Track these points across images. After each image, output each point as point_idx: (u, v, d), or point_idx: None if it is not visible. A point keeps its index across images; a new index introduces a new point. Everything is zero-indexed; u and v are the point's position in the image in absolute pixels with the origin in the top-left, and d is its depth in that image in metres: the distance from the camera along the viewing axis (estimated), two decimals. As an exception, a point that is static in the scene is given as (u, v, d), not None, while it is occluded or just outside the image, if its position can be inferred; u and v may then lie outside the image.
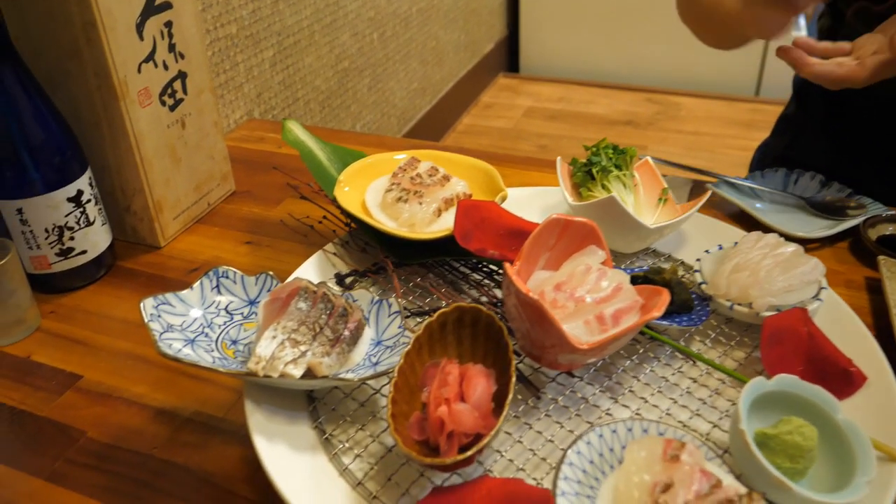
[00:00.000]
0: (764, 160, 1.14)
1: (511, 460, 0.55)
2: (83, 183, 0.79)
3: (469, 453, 0.48)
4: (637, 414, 0.58)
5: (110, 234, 0.86)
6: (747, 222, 0.86)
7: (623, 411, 0.59)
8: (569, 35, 2.93)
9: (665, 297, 0.57)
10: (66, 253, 0.81)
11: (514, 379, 0.53)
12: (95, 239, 0.83)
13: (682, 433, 0.52)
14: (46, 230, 0.78)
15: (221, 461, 0.61)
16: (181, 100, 0.90)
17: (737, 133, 2.33)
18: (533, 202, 0.85)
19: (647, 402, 0.59)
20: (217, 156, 0.98)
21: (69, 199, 0.78)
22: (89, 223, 0.81)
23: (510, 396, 0.52)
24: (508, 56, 3.05)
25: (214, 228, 0.95)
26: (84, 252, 0.82)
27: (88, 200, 0.81)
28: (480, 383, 0.53)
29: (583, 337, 0.56)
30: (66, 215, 0.79)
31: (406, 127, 2.14)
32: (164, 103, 0.87)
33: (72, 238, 0.80)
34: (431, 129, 2.31)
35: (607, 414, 0.58)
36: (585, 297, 0.57)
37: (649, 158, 0.85)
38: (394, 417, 0.52)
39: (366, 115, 1.89)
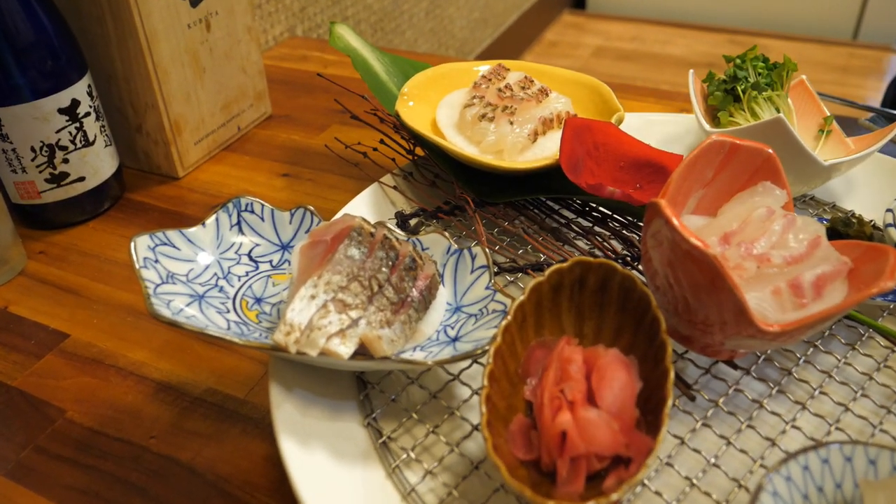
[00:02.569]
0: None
1: (659, 494, 0.37)
2: (80, 91, 0.63)
3: (613, 498, 0.30)
4: (839, 428, 0.40)
5: (117, 158, 0.70)
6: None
7: (815, 423, 0.40)
8: (642, -29, 2.68)
9: (894, 260, 0.38)
10: (58, 179, 0.64)
11: (672, 374, 0.35)
12: (96, 163, 0.66)
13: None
14: (33, 149, 0.62)
15: (239, 460, 0.45)
16: (206, -7, 0.72)
17: (835, 79, 2.06)
18: (651, 131, 0.66)
19: (849, 409, 0.41)
20: (251, 69, 0.81)
21: (61, 111, 0.62)
22: (88, 143, 0.65)
23: (669, 401, 0.34)
24: (575, -10, 2.81)
25: (245, 157, 0.78)
26: (82, 179, 0.66)
27: (87, 114, 0.64)
28: (618, 378, 0.35)
29: (771, 313, 0.37)
30: (58, 131, 0.62)
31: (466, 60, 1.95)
32: (183, -4, 0.69)
33: (65, 161, 0.64)
34: (492, 65, 2.11)
35: (794, 428, 0.40)
36: (771, 255, 0.39)
37: (804, 78, 0.65)
38: (490, 427, 0.34)
39: (422, 44, 1.69)
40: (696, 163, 0.43)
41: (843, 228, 0.48)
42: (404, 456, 0.39)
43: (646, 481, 0.37)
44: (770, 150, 0.43)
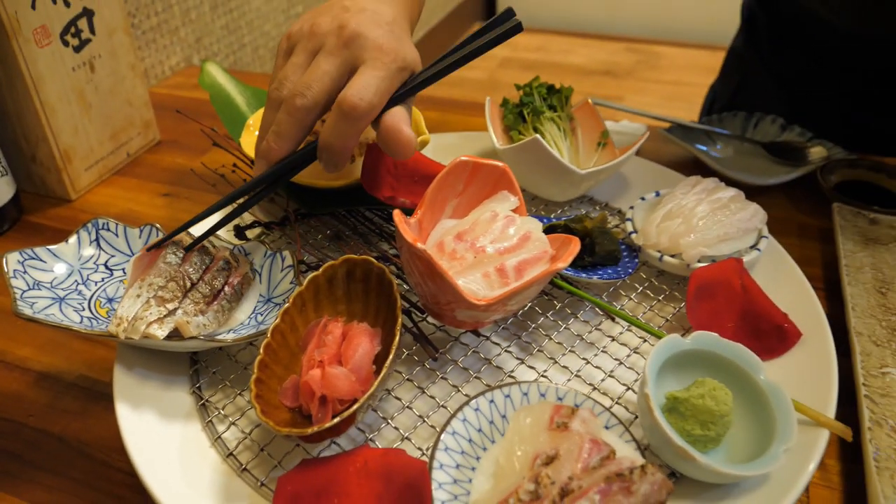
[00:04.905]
0: (712, 108, 1.08)
1: (398, 429, 0.50)
2: (-26, 130, 0.73)
3: (334, 421, 0.43)
4: (543, 376, 0.53)
5: (13, 185, 0.80)
6: (702, 170, 0.80)
7: (529, 373, 0.53)
8: (548, -18, 2.83)
9: (574, 247, 0.51)
10: (-41, 206, 0.75)
11: (398, 338, 0.47)
12: (-7, 190, 0.77)
13: (584, 397, 0.47)
14: (-66, 181, 0.72)
15: (101, 430, 0.56)
16: (88, 40, 0.83)
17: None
18: (464, 147, 0.79)
19: (556, 362, 0.54)
20: (136, 101, 0.92)
21: (-42, 148, 0.72)
22: (-15, 174, 0.75)
23: (391, 357, 0.46)
24: (485, 4, 2.94)
25: (133, 180, 0.89)
26: (-19, 205, 0.76)
27: (-18, 149, 0.74)
28: (362, 343, 0.48)
29: (480, 291, 0.50)
30: (-44, 165, 0.73)
31: (373, 77, 2.06)
32: (66, 44, 0.80)
33: (-35, 190, 0.74)
34: (402, 79, 2.23)
35: (510, 376, 0.53)
36: (487, 247, 0.52)
37: (590, 100, 0.78)
38: (260, 383, 0.46)
39: (327, 65, 1.81)
40: (447, 178, 0.56)
41: (573, 224, 0.61)
42: (216, 413, 0.51)
43: (390, 419, 0.50)
44: (503, 166, 0.56)
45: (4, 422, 0.58)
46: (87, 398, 0.59)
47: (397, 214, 0.50)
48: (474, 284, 0.50)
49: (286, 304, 0.50)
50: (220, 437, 0.50)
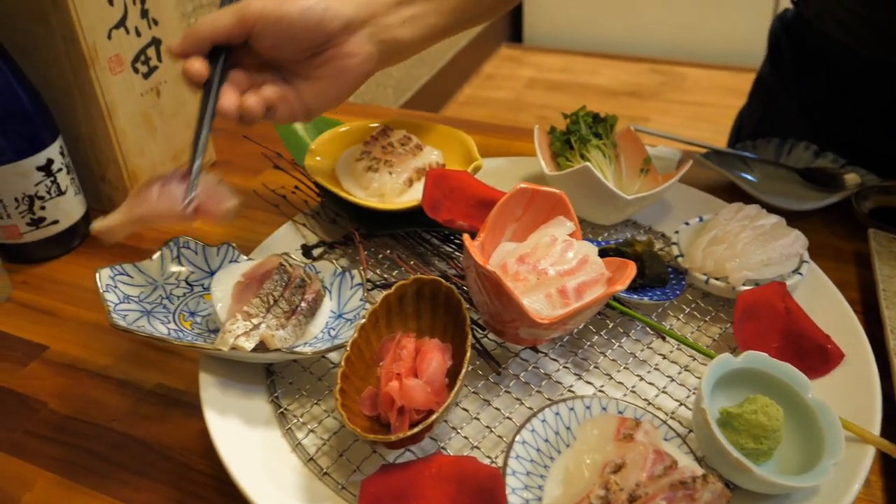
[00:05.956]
0: (740, 133, 1.11)
1: (467, 438, 0.53)
2: (53, 152, 0.78)
3: (416, 430, 0.47)
4: (601, 391, 0.56)
5: (85, 204, 0.85)
6: (739, 195, 0.83)
7: (586, 388, 0.57)
8: (573, 4, 2.87)
9: (630, 271, 0.55)
10: (37, 223, 0.79)
11: (469, 354, 0.51)
12: (68, 209, 0.81)
13: (643, 412, 0.50)
14: (16, 199, 0.77)
15: (180, 435, 0.60)
16: (155, 67, 0.88)
17: (742, 104, 2.26)
18: (514, 172, 0.83)
19: (612, 378, 0.58)
20: (195, 124, 0.96)
21: (39, 168, 0.77)
22: (61, 193, 0.80)
23: (463, 372, 0.50)
24: (511, 25, 3.00)
25: (193, 199, 0.93)
26: (56, 222, 0.81)
27: (60, 170, 0.79)
28: (435, 358, 0.52)
29: (543, 311, 0.54)
30: (37, 184, 0.77)
31: (403, 98, 2.11)
32: (137, 70, 0.85)
33: (42, 208, 0.79)
34: (430, 99, 2.28)
35: (570, 391, 0.57)
36: (548, 270, 0.55)
37: (632, 127, 0.82)
38: (343, 393, 0.50)
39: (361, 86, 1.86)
40: (508, 204, 0.60)
41: (624, 248, 0.64)
42: (295, 421, 0.55)
43: (459, 429, 0.54)
44: (560, 193, 0.60)
45: (90, 425, 0.62)
46: (164, 405, 0.63)
47: (468, 239, 0.53)
48: (537, 304, 0.54)
49: (362, 321, 0.54)
50: (299, 443, 0.54)
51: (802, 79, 0.98)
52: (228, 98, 0.58)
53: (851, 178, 0.85)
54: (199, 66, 0.57)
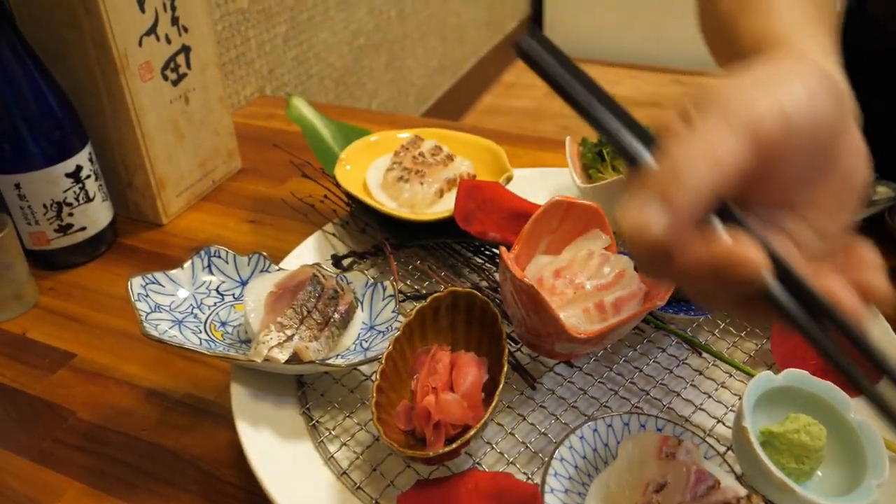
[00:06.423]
0: None
1: (502, 453, 0.52)
2: (83, 158, 0.78)
3: (453, 446, 0.46)
4: (637, 407, 0.56)
5: (112, 210, 0.85)
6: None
7: (622, 404, 0.56)
8: (594, 14, 2.87)
9: (668, 285, 0.54)
10: (65, 229, 0.79)
11: (505, 368, 0.50)
12: (95, 215, 0.81)
13: (682, 429, 0.49)
14: (45, 206, 0.77)
15: (209, 445, 0.60)
16: (185, 74, 0.88)
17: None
18: (543, 183, 0.82)
19: (648, 394, 0.57)
20: (223, 132, 0.96)
21: (68, 175, 0.77)
22: (89, 199, 0.80)
23: (501, 386, 0.49)
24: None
25: (219, 206, 0.93)
26: (84, 228, 0.81)
27: (88, 176, 0.79)
28: (471, 372, 0.51)
29: (581, 325, 0.53)
30: (65, 191, 0.77)
31: (425, 106, 2.11)
32: (166, 78, 0.85)
33: (71, 214, 0.79)
34: (451, 108, 2.28)
35: (605, 407, 0.56)
36: (585, 284, 0.55)
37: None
38: (378, 406, 0.50)
39: (382, 94, 1.86)
40: (543, 216, 0.59)
41: (659, 262, 0.64)
42: (327, 433, 0.55)
43: (494, 443, 0.53)
44: (596, 206, 0.59)
45: (120, 435, 0.61)
46: (193, 415, 0.63)
47: (504, 251, 0.53)
48: (574, 319, 0.53)
49: (396, 333, 0.54)
50: (332, 456, 0.53)
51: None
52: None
53: (883, 191, 0.83)
54: (754, 254, 0.29)
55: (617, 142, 0.33)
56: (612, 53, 2.87)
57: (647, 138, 0.32)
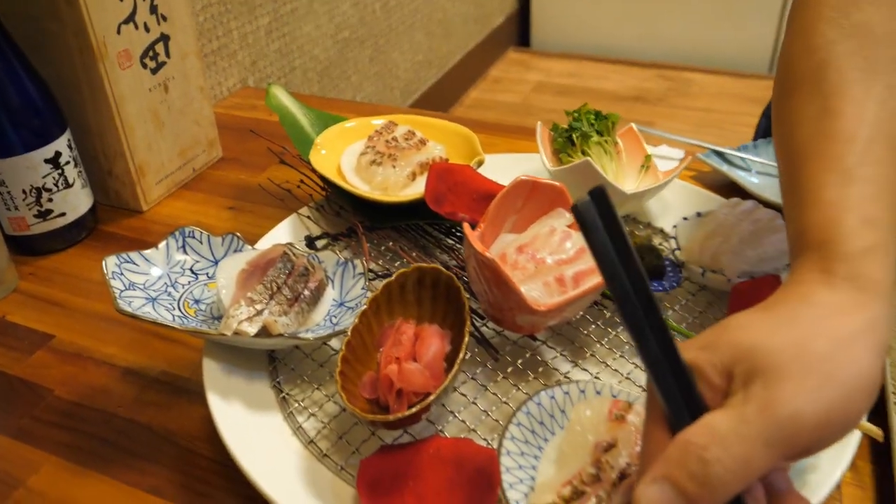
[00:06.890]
0: (767, 133, 1.11)
1: (464, 422, 0.54)
2: (61, 145, 0.79)
3: (413, 410, 0.48)
4: (596, 377, 0.57)
5: (92, 197, 0.86)
6: (739, 194, 0.84)
7: (582, 374, 0.58)
8: (581, 9, 2.89)
9: (627, 260, 0.56)
10: (44, 215, 0.81)
11: (466, 339, 0.52)
12: (75, 201, 0.83)
13: (636, 396, 0.51)
14: (24, 191, 0.78)
15: (184, 421, 0.61)
16: (164, 63, 0.89)
17: (749, 110, 2.28)
18: (515, 168, 0.83)
19: (608, 366, 0.58)
20: (203, 121, 0.98)
21: (47, 161, 0.78)
22: (68, 185, 0.81)
23: (461, 356, 0.51)
24: (519, 30, 3.01)
25: (199, 194, 0.95)
26: (63, 214, 0.82)
27: (67, 162, 0.80)
28: (434, 343, 0.53)
29: (541, 298, 0.55)
30: (44, 177, 0.79)
31: (410, 99, 2.13)
32: (145, 66, 0.86)
33: (50, 200, 0.80)
34: (437, 102, 2.29)
35: (566, 377, 0.58)
36: (546, 259, 0.56)
37: (633, 125, 0.83)
38: (343, 376, 0.51)
39: (367, 87, 1.88)
40: (508, 196, 0.61)
41: (622, 241, 0.65)
42: (296, 405, 0.56)
43: (456, 413, 0.55)
44: (560, 185, 0.61)
45: (97, 412, 0.63)
46: (169, 392, 0.64)
47: (467, 228, 0.55)
48: (535, 292, 0.55)
49: (363, 307, 0.55)
50: (300, 426, 0.55)
51: None
52: None
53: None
54: None
55: (656, 382, 0.36)
56: (598, 48, 2.89)
57: (685, 379, 0.35)
